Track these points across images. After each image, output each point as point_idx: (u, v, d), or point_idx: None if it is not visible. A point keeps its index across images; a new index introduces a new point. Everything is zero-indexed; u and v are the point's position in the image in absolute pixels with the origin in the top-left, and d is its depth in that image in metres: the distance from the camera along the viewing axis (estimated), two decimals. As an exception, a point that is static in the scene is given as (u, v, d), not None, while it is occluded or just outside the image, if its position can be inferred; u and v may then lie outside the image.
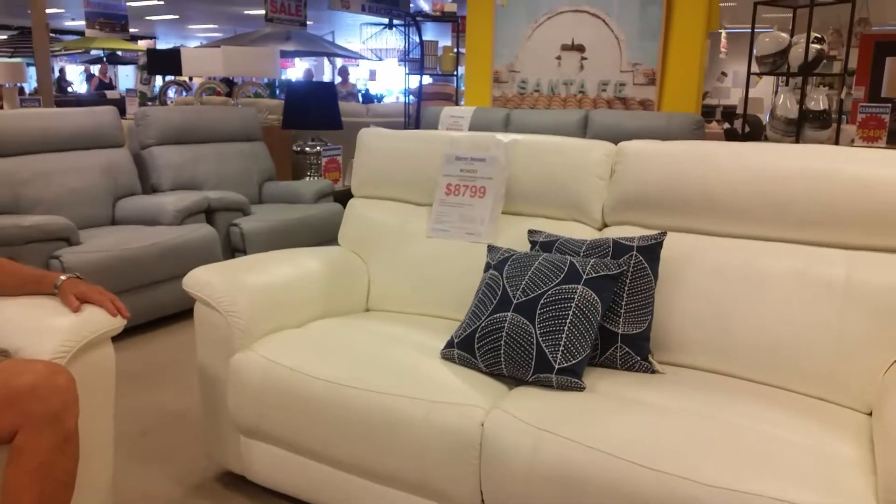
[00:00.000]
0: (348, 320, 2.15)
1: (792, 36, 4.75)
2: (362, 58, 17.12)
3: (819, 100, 4.53)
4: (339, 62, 19.43)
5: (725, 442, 1.44)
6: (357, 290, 2.34)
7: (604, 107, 5.25)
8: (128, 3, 12.85)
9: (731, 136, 7.15)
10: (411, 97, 6.60)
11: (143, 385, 2.73)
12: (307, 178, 5.04)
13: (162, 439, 2.33)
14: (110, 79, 12.13)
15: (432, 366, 1.80)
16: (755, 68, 4.72)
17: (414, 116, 6.42)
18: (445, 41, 6.66)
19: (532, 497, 1.51)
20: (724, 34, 13.99)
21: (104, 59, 15.59)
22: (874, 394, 1.69)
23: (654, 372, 1.80)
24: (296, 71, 23.25)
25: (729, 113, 10.16)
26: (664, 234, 1.88)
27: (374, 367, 1.78)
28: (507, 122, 5.08)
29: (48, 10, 15.01)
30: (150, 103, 8.63)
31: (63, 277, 1.67)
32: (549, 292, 1.74)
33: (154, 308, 3.29)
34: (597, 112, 4.85)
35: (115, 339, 1.66)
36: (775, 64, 4.57)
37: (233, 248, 3.80)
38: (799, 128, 4.50)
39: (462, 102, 6.20)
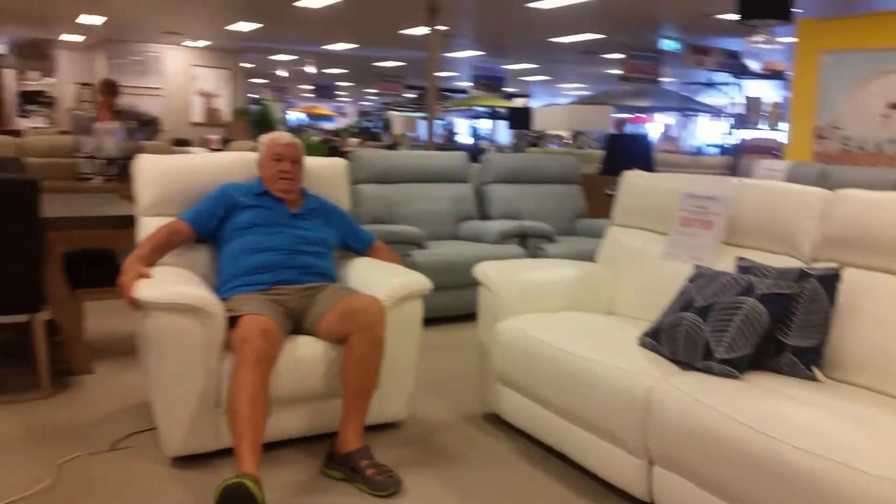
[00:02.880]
0: (588, 314, 2.80)
1: None
2: (720, 112, 17.10)
3: None
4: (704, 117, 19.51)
5: (833, 426, 1.77)
6: (602, 295, 2.97)
7: (938, 166, 4.98)
8: (506, 67, 14.92)
9: None
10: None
11: (448, 354, 3.72)
12: (617, 219, 5.71)
13: (451, 386, 3.25)
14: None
15: (629, 347, 2.38)
16: None
17: (732, 167, 6.67)
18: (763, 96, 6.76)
19: (677, 445, 2.01)
20: None
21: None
22: None
23: (814, 380, 2.13)
24: (657, 126, 23.91)
25: None
26: (842, 267, 2.19)
27: (588, 342, 2.42)
28: (823, 178, 5.13)
29: (446, 73, 18.02)
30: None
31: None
32: (725, 301, 2.20)
33: (468, 304, 4.27)
34: (923, 171, 4.68)
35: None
36: None
37: (539, 268, 4.65)
38: None
39: (783, 156, 6.27)
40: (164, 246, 2.62)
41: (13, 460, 2.42)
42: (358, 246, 2.99)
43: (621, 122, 18.05)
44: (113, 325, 4.02)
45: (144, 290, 2.30)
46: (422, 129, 14.08)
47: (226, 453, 2.40)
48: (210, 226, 2.71)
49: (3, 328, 3.55)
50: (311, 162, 3.17)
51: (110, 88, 6.02)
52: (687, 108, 15.60)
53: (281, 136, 2.83)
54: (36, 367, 3.01)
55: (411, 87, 19.44)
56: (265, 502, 2.03)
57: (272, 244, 2.65)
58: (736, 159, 6.58)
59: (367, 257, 2.99)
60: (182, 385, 2.32)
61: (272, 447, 2.51)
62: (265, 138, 2.84)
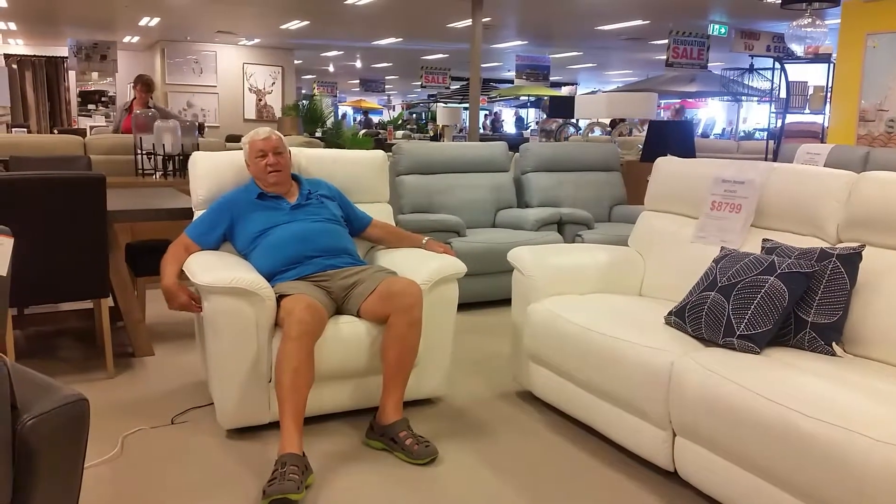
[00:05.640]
0: (616, 296, 2.90)
1: None
2: (768, 96, 16.70)
3: None
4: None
5: (844, 396, 1.84)
6: (633, 279, 3.06)
7: None
8: (551, 56, 14.88)
9: None
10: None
11: (485, 336, 3.87)
12: (658, 206, 5.74)
13: (487, 365, 3.40)
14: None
15: (655, 326, 2.47)
16: None
17: (774, 152, 6.60)
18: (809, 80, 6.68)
19: (697, 416, 2.11)
20: None
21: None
22: None
23: (833, 355, 2.19)
24: (708, 111, 23.49)
25: None
26: (863, 246, 2.25)
27: (615, 321, 2.52)
28: (865, 161, 5.08)
29: (490, 64, 18.04)
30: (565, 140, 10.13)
31: (425, 239, 2.92)
32: (747, 280, 2.28)
33: (506, 290, 4.38)
34: (972, 152, 4.59)
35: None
36: None
37: (578, 255, 4.74)
38: None
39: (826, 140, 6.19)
40: (182, 263, 2.75)
41: (85, 431, 2.65)
42: (357, 224, 3.04)
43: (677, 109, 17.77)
44: (171, 311, 4.26)
45: (204, 275, 2.48)
46: (467, 120, 14.17)
47: (276, 425, 2.58)
48: (212, 238, 2.84)
49: (72, 314, 3.84)
50: (352, 154, 3.33)
51: (146, 85, 6.31)
52: (735, 92, 15.24)
53: (258, 132, 2.92)
54: (101, 350, 3.26)
55: (456, 79, 19.51)
56: (311, 481, 2.22)
57: (287, 240, 2.76)
58: (778, 144, 6.52)
59: (384, 241, 3.10)
60: (236, 362, 2.51)
61: (319, 419, 2.69)
62: (245, 138, 2.94)
